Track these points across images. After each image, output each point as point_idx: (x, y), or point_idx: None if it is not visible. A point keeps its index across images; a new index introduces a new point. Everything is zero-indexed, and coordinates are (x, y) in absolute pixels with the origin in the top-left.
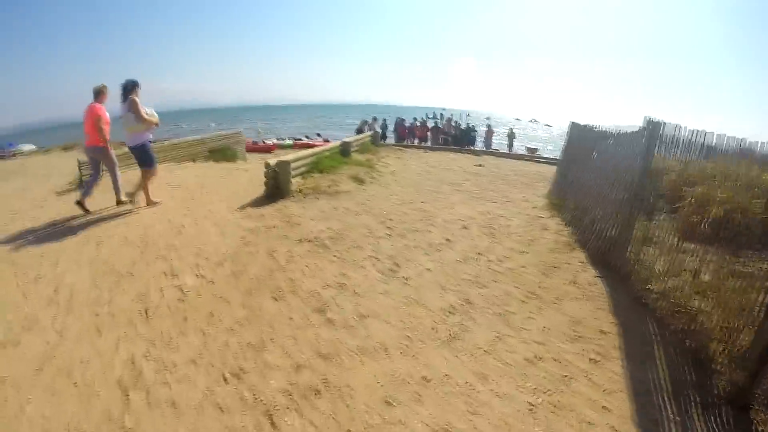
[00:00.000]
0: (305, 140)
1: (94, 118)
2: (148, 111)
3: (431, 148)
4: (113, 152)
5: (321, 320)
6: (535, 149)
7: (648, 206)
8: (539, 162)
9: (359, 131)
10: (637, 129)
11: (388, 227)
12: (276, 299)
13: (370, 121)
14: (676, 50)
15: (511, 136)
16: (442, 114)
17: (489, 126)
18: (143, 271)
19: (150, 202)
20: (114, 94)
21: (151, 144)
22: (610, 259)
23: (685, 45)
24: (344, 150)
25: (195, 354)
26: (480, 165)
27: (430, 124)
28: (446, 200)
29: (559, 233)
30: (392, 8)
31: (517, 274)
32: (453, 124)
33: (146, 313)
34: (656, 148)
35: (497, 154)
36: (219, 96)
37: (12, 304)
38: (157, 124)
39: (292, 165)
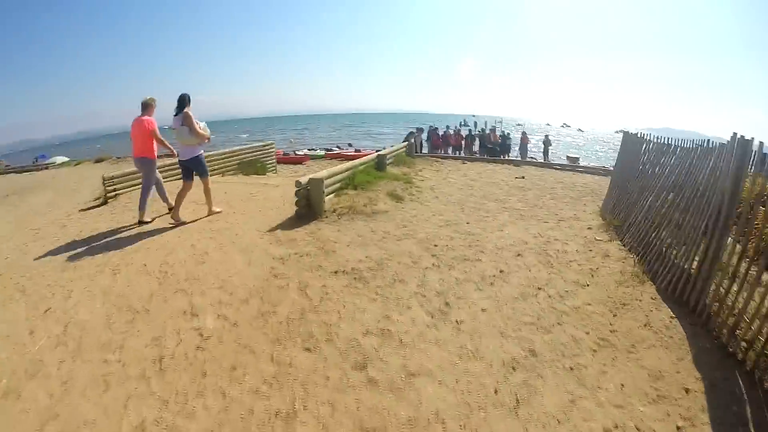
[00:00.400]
0: (337, 150)
1: (147, 131)
2: (201, 125)
3: (469, 159)
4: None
5: (362, 380)
6: (576, 158)
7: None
8: (581, 172)
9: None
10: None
11: (433, 255)
12: (309, 350)
13: (415, 132)
14: (692, 45)
15: (547, 143)
16: (476, 122)
17: (524, 133)
18: (160, 308)
19: (212, 212)
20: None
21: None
22: (685, 296)
23: (700, 39)
24: (379, 163)
25: (213, 423)
26: (522, 177)
27: (464, 132)
28: (494, 220)
29: (623, 261)
30: (419, 17)
31: (583, 314)
32: (499, 133)
33: (161, 364)
34: (750, 167)
35: (536, 163)
36: (248, 107)
37: (18, 342)
38: (208, 139)
39: (326, 182)
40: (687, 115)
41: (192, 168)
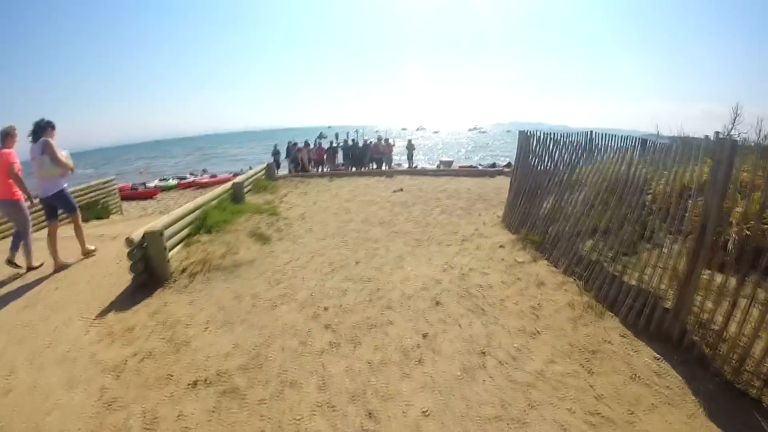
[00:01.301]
0: (191, 178)
1: (5, 166)
2: (64, 153)
3: (335, 174)
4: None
5: None
6: (450, 161)
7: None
8: (456, 176)
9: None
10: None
11: (326, 326)
12: None
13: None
14: (542, 46)
15: (411, 148)
16: (337, 134)
17: (386, 140)
18: None
19: (87, 252)
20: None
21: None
22: (663, 327)
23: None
24: (236, 193)
25: None
26: (400, 190)
27: (325, 145)
28: (387, 252)
29: (564, 289)
30: (266, 25)
31: (554, 381)
32: (384, 142)
33: None
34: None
35: (408, 171)
36: (91, 137)
37: None
38: (72, 169)
39: (167, 232)
40: (533, 110)
41: (56, 205)
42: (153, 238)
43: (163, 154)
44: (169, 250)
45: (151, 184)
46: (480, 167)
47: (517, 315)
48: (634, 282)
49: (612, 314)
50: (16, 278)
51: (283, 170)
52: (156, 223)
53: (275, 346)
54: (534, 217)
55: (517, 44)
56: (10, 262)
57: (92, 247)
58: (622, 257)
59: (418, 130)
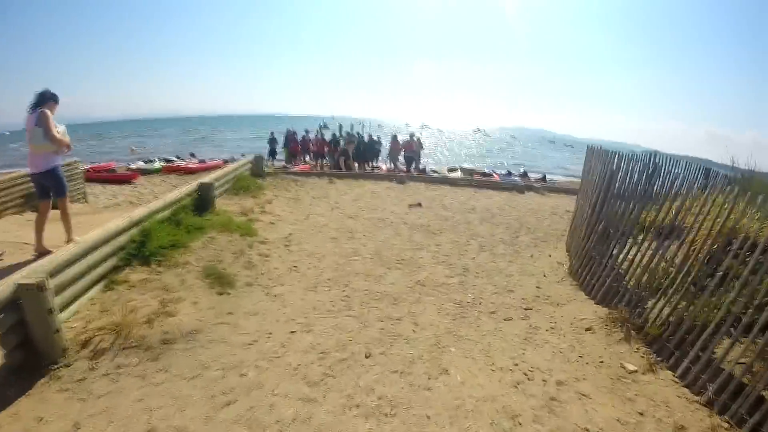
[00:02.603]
0: (177, 162)
1: None
2: (60, 129)
3: (337, 175)
4: None
5: None
6: (472, 169)
7: None
8: (480, 188)
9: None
10: None
11: None
12: None
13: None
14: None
15: (419, 147)
16: (340, 125)
17: (394, 136)
18: None
19: (72, 240)
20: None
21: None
22: None
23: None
24: (202, 199)
25: None
26: (418, 205)
27: (328, 136)
28: (416, 334)
29: None
30: (275, 11)
31: None
32: (415, 140)
33: None
34: None
35: (424, 178)
36: (97, 109)
37: None
38: (69, 146)
39: (72, 272)
40: (537, 117)
41: (45, 183)
42: (31, 297)
43: (161, 132)
44: (70, 304)
45: (134, 166)
46: (495, 175)
47: None
48: None
49: None
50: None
51: (279, 161)
52: (44, 264)
53: None
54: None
55: (523, 50)
56: None
57: (78, 238)
58: None
59: (422, 127)
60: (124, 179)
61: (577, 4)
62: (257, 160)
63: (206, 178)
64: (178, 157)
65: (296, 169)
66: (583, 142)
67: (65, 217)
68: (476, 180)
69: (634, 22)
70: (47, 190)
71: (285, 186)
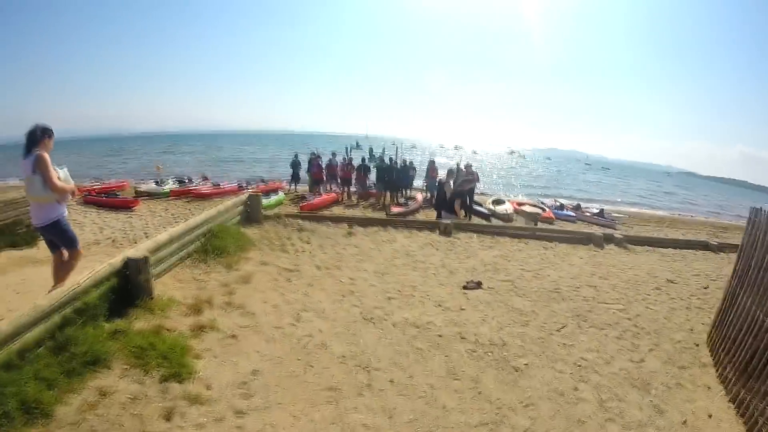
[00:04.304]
0: (188, 185)
1: None
2: (60, 173)
3: (359, 221)
4: None
5: None
6: (536, 213)
7: None
8: (553, 241)
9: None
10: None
11: None
12: None
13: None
14: (578, 74)
15: (461, 174)
16: (371, 147)
17: (432, 162)
18: None
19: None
20: None
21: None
22: None
23: (585, 69)
24: (130, 285)
25: None
26: (477, 285)
27: (359, 156)
28: None
29: None
30: (313, 23)
31: None
32: (472, 170)
33: None
34: None
35: (472, 227)
36: (137, 122)
37: None
38: (73, 193)
39: None
40: (569, 137)
41: (50, 238)
42: None
43: (190, 150)
44: None
45: (144, 187)
46: (547, 210)
47: None
48: None
49: None
50: None
51: (303, 186)
52: None
53: None
54: None
55: (552, 70)
56: None
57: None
58: None
59: (456, 148)
60: (123, 205)
61: (603, 26)
62: (253, 201)
63: (144, 243)
64: (189, 180)
65: (317, 200)
66: (615, 163)
67: (68, 267)
68: (541, 230)
69: (655, 41)
70: (55, 243)
71: (283, 241)
